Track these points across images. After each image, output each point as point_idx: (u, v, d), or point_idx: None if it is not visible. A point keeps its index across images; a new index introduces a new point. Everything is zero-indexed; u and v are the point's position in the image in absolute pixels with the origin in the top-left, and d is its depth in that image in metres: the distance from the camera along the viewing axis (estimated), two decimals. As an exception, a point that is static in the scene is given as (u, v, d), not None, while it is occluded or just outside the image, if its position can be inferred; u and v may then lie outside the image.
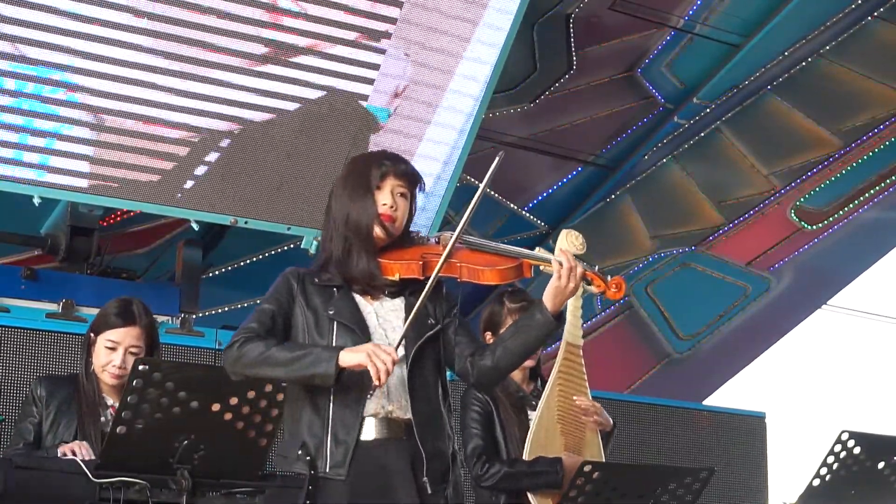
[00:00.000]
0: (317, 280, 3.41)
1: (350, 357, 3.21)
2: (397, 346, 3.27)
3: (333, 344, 3.32)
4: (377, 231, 3.40)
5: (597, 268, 3.45)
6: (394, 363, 3.20)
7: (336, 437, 3.30)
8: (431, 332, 3.41)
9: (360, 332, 3.34)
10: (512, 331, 3.46)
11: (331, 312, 3.36)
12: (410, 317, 3.31)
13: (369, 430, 3.32)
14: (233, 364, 3.32)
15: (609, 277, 3.43)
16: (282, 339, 3.35)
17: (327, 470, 3.29)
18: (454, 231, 3.39)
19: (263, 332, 3.33)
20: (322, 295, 3.39)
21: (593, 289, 3.45)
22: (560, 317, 3.42)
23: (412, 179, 3.49)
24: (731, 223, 8.93)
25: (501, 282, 3.44)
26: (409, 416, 3.34)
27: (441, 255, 3.36)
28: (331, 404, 3.31)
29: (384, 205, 3.41)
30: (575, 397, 4.34)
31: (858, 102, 8.73)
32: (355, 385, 3.29)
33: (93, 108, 5.59)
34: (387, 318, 3.41)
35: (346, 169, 3.53)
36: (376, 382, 3.18)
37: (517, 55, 7.14)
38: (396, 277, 3.40)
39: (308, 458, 3.28)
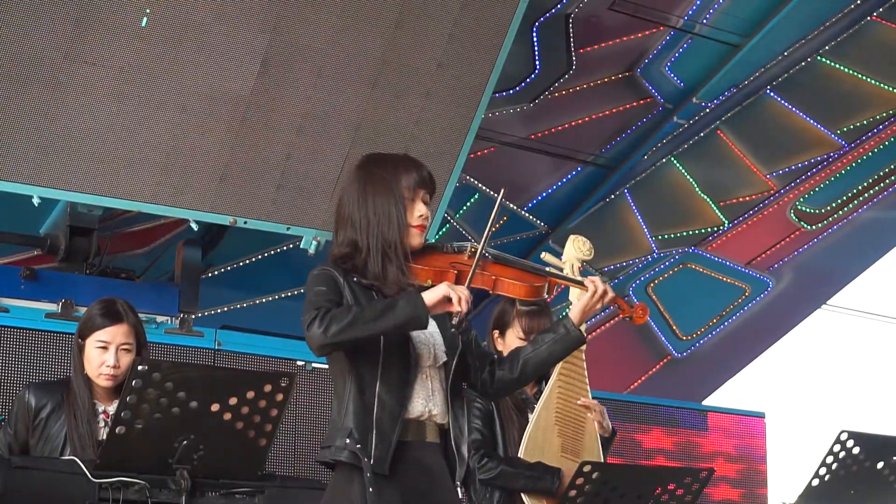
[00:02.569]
0: (356, 279, 3.41)
1: (431, 295, 3.28)
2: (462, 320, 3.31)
3: (380, 349, 3.35)
4: (410, 241, 3.43)
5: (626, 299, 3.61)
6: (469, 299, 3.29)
7: (382, 434, 3.32)
8: (462, 345, 3.48)
9: (409, 333, 3.38)
10: (538, 344, 3.56)
11: None
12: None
13: (414, 431, 3.37)
14: (323, 335, 3.26)
15: (635, 302, 3.60)
16: None
17: (371, 463, 3.30)
18: (476, 242, 3.46)
19: (334, 306, 3.33)
20: (365, 295, 3.40)
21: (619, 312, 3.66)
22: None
23: (434, 186, 3.53)
24: (731, 223, 8.93)
25: (528, 297, 3.54)
26: (446, 420, 3.42)
27: (470, 264, 3.41)
28: (376, 400, 3.34)
29: (420, 216, 3.45)
30: (581, 400, 4.36)
31: (858, 102, 8.73)
32: (399, 382, 3.35)
33: (92, 110, 5.59)
34: None
35: (366, 171, 3.49)
36: (458, 309, 3.26)
37: (517, 55, 7.14)
38: (429, 283, 3.42)
39: (358, 446, 3.29)
